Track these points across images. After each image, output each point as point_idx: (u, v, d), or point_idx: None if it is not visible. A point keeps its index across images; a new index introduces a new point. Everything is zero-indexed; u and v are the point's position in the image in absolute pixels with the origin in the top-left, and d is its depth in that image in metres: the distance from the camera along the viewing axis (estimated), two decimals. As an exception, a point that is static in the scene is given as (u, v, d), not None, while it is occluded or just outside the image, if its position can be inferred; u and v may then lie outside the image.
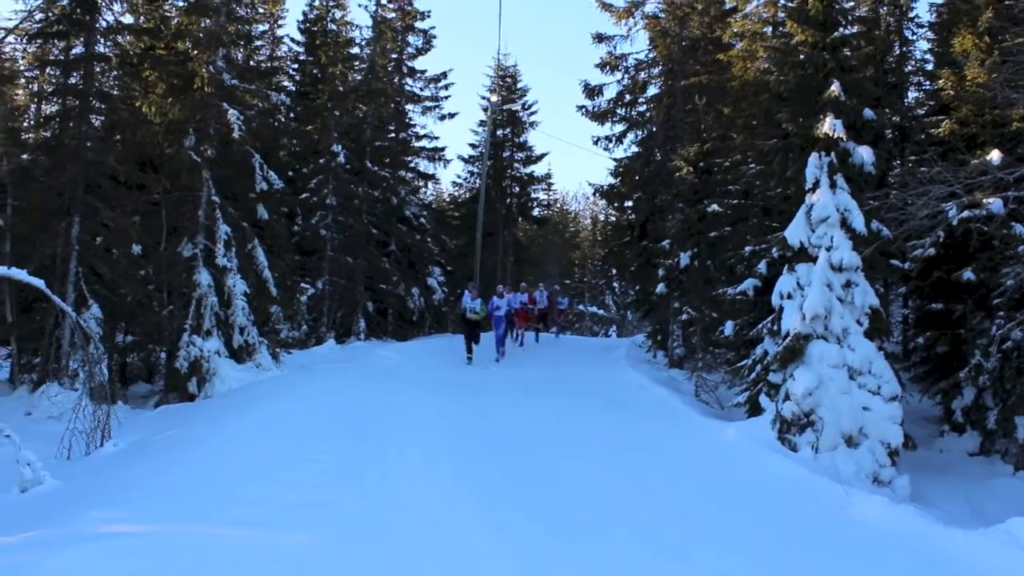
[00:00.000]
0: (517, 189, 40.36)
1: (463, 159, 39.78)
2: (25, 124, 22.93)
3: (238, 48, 24.10)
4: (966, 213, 14.84)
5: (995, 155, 14.83)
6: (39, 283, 13.89)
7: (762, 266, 16.84)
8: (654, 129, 29.38)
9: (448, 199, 45.50)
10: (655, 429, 14.59)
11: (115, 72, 20.49)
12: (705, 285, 21.48)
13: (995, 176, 14.06)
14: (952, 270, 16.71)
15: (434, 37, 35.24)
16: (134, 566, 7.06)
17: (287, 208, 26.59)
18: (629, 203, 31.36)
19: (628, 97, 30.13)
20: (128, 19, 20.86)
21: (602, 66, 29.82)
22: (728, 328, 18.22)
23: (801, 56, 16.57)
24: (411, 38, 35.10)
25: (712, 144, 22.49)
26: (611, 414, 15.64)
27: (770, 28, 22.97)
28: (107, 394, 14.82)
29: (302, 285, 27.27)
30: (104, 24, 19.75)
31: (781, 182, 16.98)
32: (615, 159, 31.28)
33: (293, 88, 31.78)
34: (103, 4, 19.51)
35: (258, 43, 30.82)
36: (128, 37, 20.45)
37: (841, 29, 16.07)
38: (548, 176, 42.91)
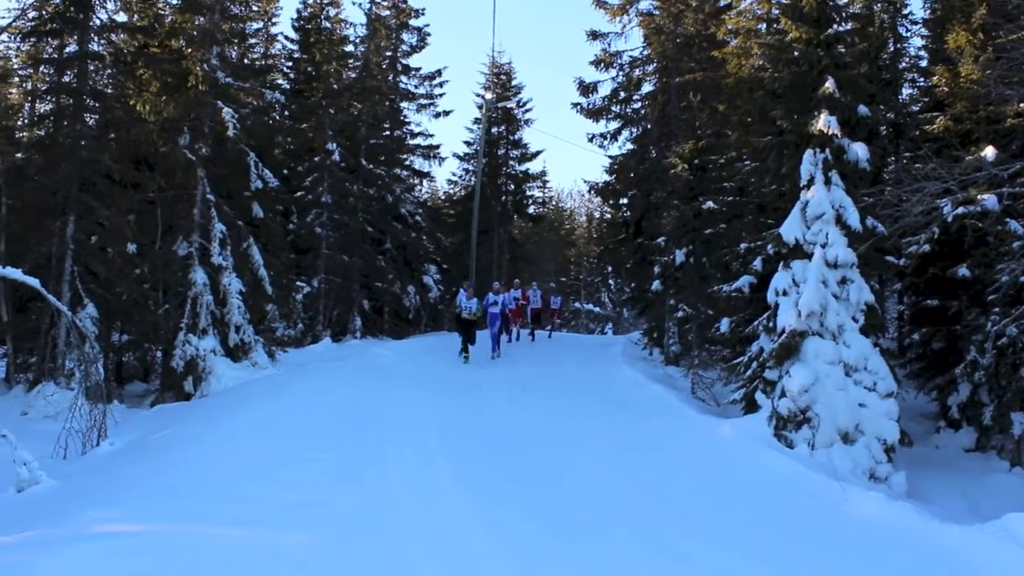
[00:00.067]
0: (512, 186, 40.35)
1: (458, 157, 39.79)
2: (19, 123, 22.86)
3: (232, 46, 24.08)
4: (961, 209, 14.87)
5: (989, 151, 14.85)
6: (34, 282, 13.88)
7: (757, 263, 16.85)
8: (649, 126, 29.40)
9: (443, 197, 45.49)
10: (651, 427, 14.61)
11: (109, 70, 20.47)
12: (701, 282, 21.50)
13: (989, 172, 14.11)
14: (947, 266, 16.75)
15: (428, 35, 35.26)
16: (132, 566, 7.06)
17: (282, 206, 26.58)
18: (624, 200, 31.38)
19: (623, 94, 30.15)
20: (122, 17, 20.92)
21: (597, 63, 29.84)
22: (724, 325, 18.23)
23: (795, 53, 16.58)
24: (405, 35, 35.08)
25: (707, 141, 22.51)
26: (607, 412, 15.65)
27: (764, 25, 23.01)
28: (103, 393, 14.81)
29: (298, 283, 27.23)
30: (98, 22, 19.74)
31: (776, 179, 16.98)
32: (610, 156, 31.38)
33: (288, 86, 31.73)
34: (97, 2, 19.52)
35: (252, 41, 30.83)
36: (122, 35, 20.45)
37: (835, 26, 16.06)
38: (543, 173, 43.00)
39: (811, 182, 14.59)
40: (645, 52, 29.36)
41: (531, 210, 41.99)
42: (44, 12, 19.67)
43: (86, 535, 7.81)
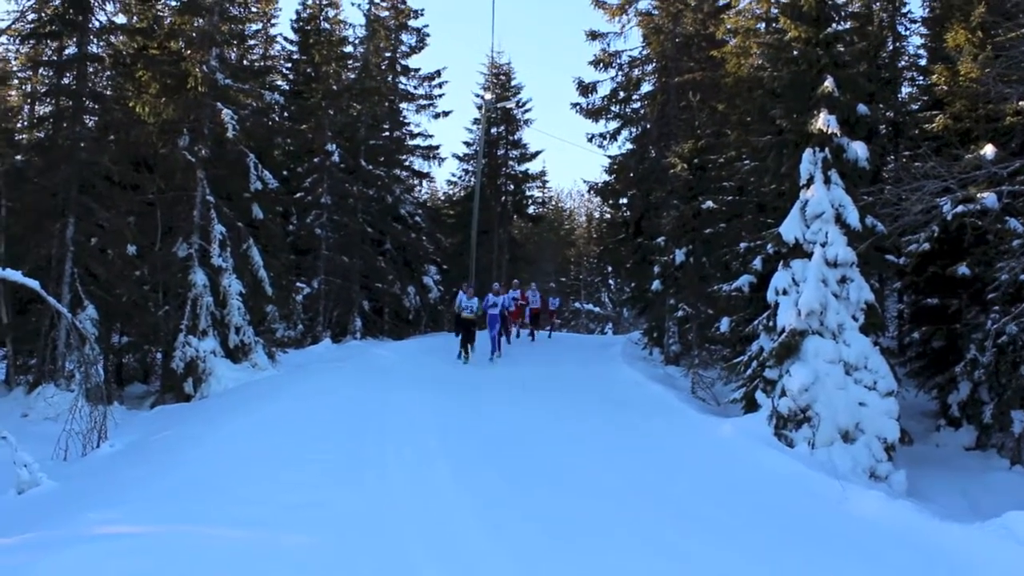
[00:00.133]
0: (512, 187, 40.33)
1: (458, 157, 39.76)
2: (18, 125, 22.87)
3: (231, 47, 24.09)
4: (960, 208, 14.87)
5: (989, 150, 14.85)
6: (34, 284, 13.88)
7: (757, 262, 16.86)
8: (648, 126, 29.40)
9: (443, 197, 45.49)
10: (652, 426, 14.62)
11: (108, 72, 20.45)
12: (700, 282, 21.51)
13: (989, 171, 14.11)
14: (947, 265, 16.76)
15: (427, 35, 35.21)
16: (132, 567, 7.06)
17: (282, 207, 26.56)
18: (624, 200, 31.38)
19: (622, 94, 30.15)
20: (121, 19, 20.84)
21: (596, 63, 29.84)
22: (724, 324, 18.24)
23: (795, 52, 16.58)
24: (404, 36, 35.04)
25: (706, 141, 22.52)
26: (607, 412, 15.66)
27: (763, 24, 23.01)
28: (103, 395, 14.80)
29: (298, 284, 27.22)
30: (97, 24, 19.72)
31: (775, 178, 16.99)
32: (609, 156, 31.37)
33: (287, 87, 31.71)
34: (96, 4, 19.47)
35: (251, 42, 30.86)
36: (121, 37, 20.41)
37: (834, 25, 16.08)
38: (543, 174, 42.94)
39: (810, 181, 14.59)
40: (644, 52, 29.37)
41: (531, 210, 41.98)
42: (43, 14, 19.66)
43: (86, 537, 7.81)
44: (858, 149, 14.73)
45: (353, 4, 33.32)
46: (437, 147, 36.37)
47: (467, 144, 39.76)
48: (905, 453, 14.35)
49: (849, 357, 13.80)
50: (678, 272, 22.19)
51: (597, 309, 57.12)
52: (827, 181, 14.50)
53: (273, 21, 33.35)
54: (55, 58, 20.46)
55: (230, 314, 20.26)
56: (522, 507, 9.43)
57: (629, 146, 30.58)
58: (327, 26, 32.07)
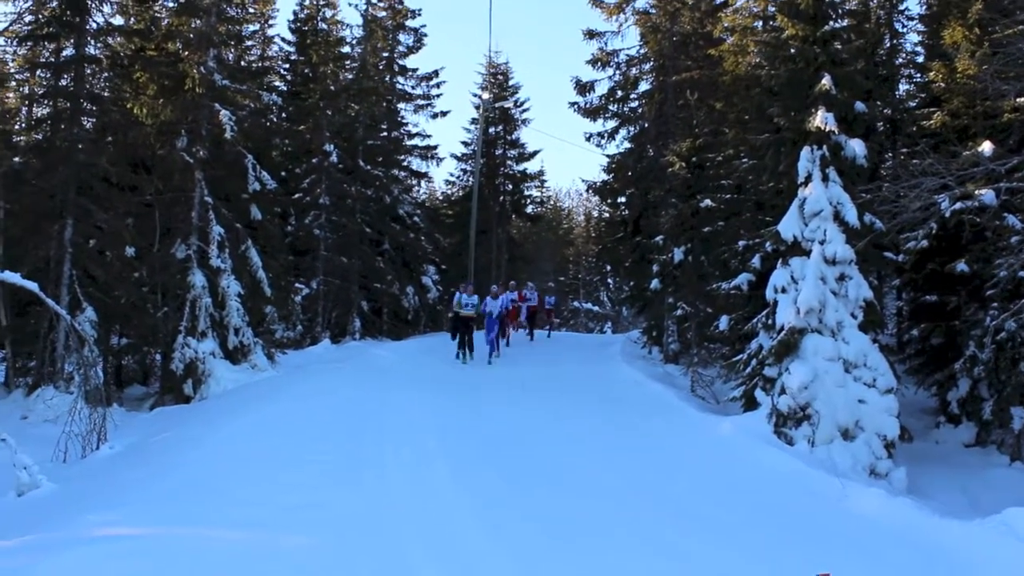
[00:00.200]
0: (510, 186, 40.32)
1: (456, 157, 39.73)
2: (16, 127, 22.83)
3: (229, 48, 24.05)
4: (958, 205, 14.87)
5: (986, 146, 14.85)
6: (33, 286, 13.87)
7: (756, 260, 16.86)
8: (646, 125, 29.33)
9: (441, 197, 45.45)
10: (651, 425, 14.62)
11: (106, 74, 20.42)
12: (699, 280, 21.49)
13: (987, 167, 14.10)
14: (945, 262, 16.75)
15: (425, 35, 35.18)
16: (132, 569, 7.06)
17: (280, 208, 26.55)
18: (622, 199, 31.31)
19: (620, 93, 30.07)
20: (118, 20, 20.81)
21: (593, 62, 29.76)
22: (723, 323, 18.23)
23: (792, 50, 16.56)
24: (402, 36, 35.02)
25: (704, 139, 22.50)
26: (607, 411, 15.66)
27: (760, 22, 22.96)
28: (102, 397, 14.80)
29: (296, 285, 27.21)
30: (94, 26, 19.70)
31: (774, 176, 16.98)
32: (608, 155, 31.27)
33: (284, 88, 31.72)
34: (93, 6, 19.46)
35: (249, 43, 30.76)
36: (118, 38, 20.41)
37: (831, 22, 16.06)
38: (541, 173, 42.86)
39: (809, 179, 14.59)
40: (642, 51, 29.29)
41: (529, 210, 41.97)
42: (40, 16, 19.64)
43: (86, 539, 7.81)
44: (856, 147, 14.73)
45: (350, 4, 33.31)
46: (435, 147, 36.39)
47: (465, 144, 39.80)
48: (905, 450, 14.35)
49: (848, 355, 13.80)
50: (677, 271, 22.18)
51: (596, 308, 57.13)
52: (825, 179, 14.50)
53: (270, 22, 33.37)
54: (52, 60, 20.44)
55: (229, 315, 20.26)
56: (521, 507, 9.43)
57: (627, 145, 30.52)
58: (324, 26, 32.02)
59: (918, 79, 22.05)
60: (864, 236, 14.74)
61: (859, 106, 15.74)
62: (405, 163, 35.73)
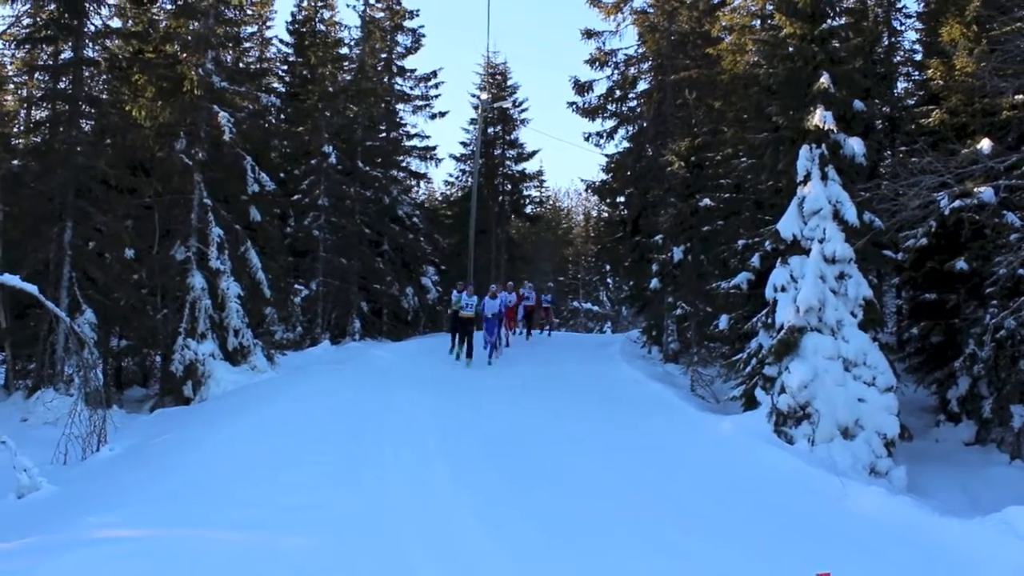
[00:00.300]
0: (509, 187, 40.34)
1: (455, 158, 39.75)
2: (15, 129, 22.84)
3: (227, 50, 24.07)
4: (957, 203, 14.87)
5: (985, 144, 14.85)
6: (32, 289, 13.87)
7: (755, 259, 16.86)
8: (645, 124, 29.33)
9: (440, 198, 45.44)
10: (651, 425, 14.61)
11: (104, 76, 20.44)
12: (699, 279, 21.47)
13: (986, 165, 14.10)
14: (945, 260, 16.73)
15: (423, 36, 35.23)
16: (132, 570, 7.06)
17: (279, 209, 26.56)
18: (621, 199, 31.31)
19: (618, 93, 30.07)
20: (116, 23, 20.86)
21: (592, 62, 29.77)
22: (722, 322, 18.22)
23: (790, 49, 16.57)
24: (400, 37, 35.05)
25: (703, 138, 22.49)
26: (607, 410, 15.66)
27: (759, 21, 22.94)
28: (102, 399, 14.81)
29: (296, 286, 27.22)
30: (92, 28, 19.70)
31: (773, 175, 16.98)
32: (607, 155, 31.27)
33: (283, 89, 31.71)
34: (91, 8, 19.46)
35: (247, 45, 30.80)
36: (116, 41, 20.44)
37: (829, 21, 16.07)
38: (540, 173, 42.81)
39: (807, 178, 14.59)
40: (640, 50, 29.30)
41: (528, 210, 41.96)
42: (38, 19, 19.65)
43: (86, 540, 7.81)
44: (855, 145, 14.73)
45: (348, 6, 33.11)
46: (434, 148, 36.38)
47: (464, 144, 39.85)
48: (905, 449, 14.35)
49: (848, 353, 13.80)
50: (676, 270, 22.16)
51: (595, 308, 57.13)
52: (824, 177, 14.50)
53: (268, 23, 33.43)
54: (51, 62, 20.48)
55: (229, 317, 20.26)
56: (521, 507, 9.43)
57: (626, 144, 30.52)
58: (322, 28, 32.01)
59: (916, 77, 22.06)
60: (863, 234, 14.74)
61: (858, 104, 15.74)
62: (404, 164, 35.75)
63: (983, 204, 14.79)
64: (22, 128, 22.93)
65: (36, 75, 21.30)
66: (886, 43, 22.93)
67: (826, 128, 14.50)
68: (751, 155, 19.11)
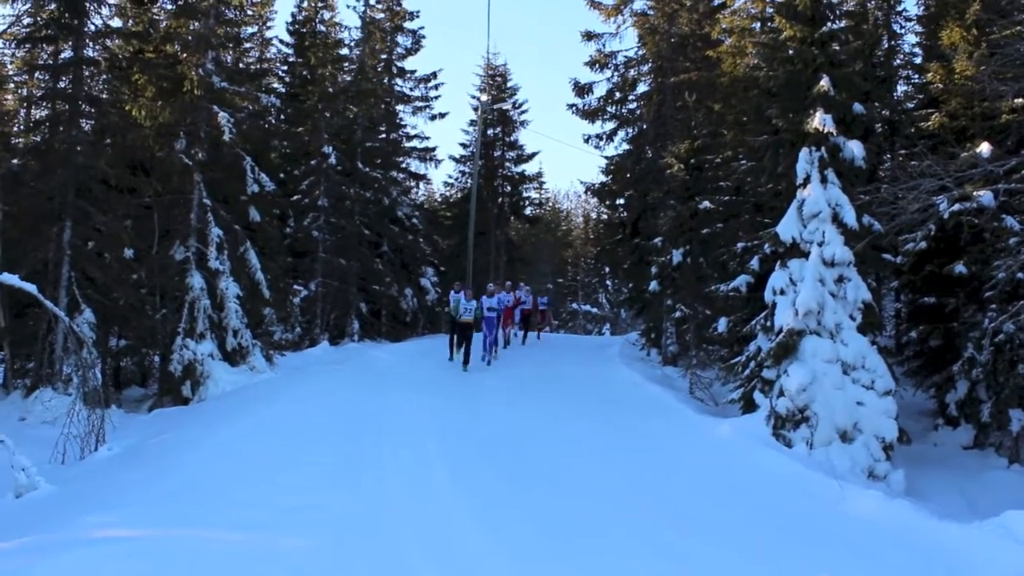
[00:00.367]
0: (509, 188, 40.36)
1: (454, 159, 39.79)
2: (15, 129, 22.82)
3: (227, 51, 24.07)
4: (957, 206, 14.87)
5: (985, 148, 14.87)
6: (31, 288, 13.86)
7: (754, 262, 16.87)
8: (644, 126, 29.34)
9: (440, 199, 45.45)
10: (650, 427, 14.61)
11: (104, 76, 20.41)
12: (698, 282, 21.49)
13: (985, 169, 14.11)
14: (944, 263, 16.76)
15: (423, 37, 35.22)
16: (130, 570, 7.05)
17: (279, 210, 26.55)
18: (621, 201, 31.30)
19: (618, 95, 30.08)
20: (116, 23, 20.82)
21: (592, 64, 29.78)
22: (721, 325, 18.23)
23: (790, 51, 16.57)
24: (400, 38, 35.05)
25: (703, 141, 22.49)
26: (605, 413, 15.65)
27: (759, 24, 22.99)
28: (101, 398, 14.78)
29: (295, 287, 27.21)
30: (92, 28, 19.67)
31: (772, 178, 17.00)
32: (606, 157, 31.26)
33: (283, 90, 31.72)
34: (91, 8, 19.43)
35: (247, 45, 30.79)
36: (117, 41, 20.41)
37: (829, 24, 16.08)
38: (539, 175, 42.84)
39: (807, 181, 14.60)
40: (640, 52, 29.32)
41: (528, 211, 41.99)
42: (39, 18, 19.62)
43: (84, 540, 7.80)
44: (854, 148, 14.74)
45: (348, 7, 33.03)
46: (434, 149, 36.42)
47: (464, 146, 39.89)
48: (903, 452, 14.36)
49: (847, 357, 13.81)
50: (675, 272, 22.17)
51: (594, 310, 57.12)
52: (824, 180, 14.51)
53: (268, 24, 33.48)
54: (51, 62, 20.44)
55: (227, 317, 20.25)
56: (520, 508, 9.43)
57: (626, 147, 30.53)
58: (323, 28, 32.02)
59: (916, 80, 22.09)
60: (863, 238, 14.75)
61: (857, 107, 15.76)
62: (404, 165, 35.77)
63: (982, 208, 14.79)
64: (22, 127, 22.91)
65: (36, 74, 21.27)
66: (886, 46, 22.94)
67: (826, 131, 14.52)
68: (751, 158, 19.11)
